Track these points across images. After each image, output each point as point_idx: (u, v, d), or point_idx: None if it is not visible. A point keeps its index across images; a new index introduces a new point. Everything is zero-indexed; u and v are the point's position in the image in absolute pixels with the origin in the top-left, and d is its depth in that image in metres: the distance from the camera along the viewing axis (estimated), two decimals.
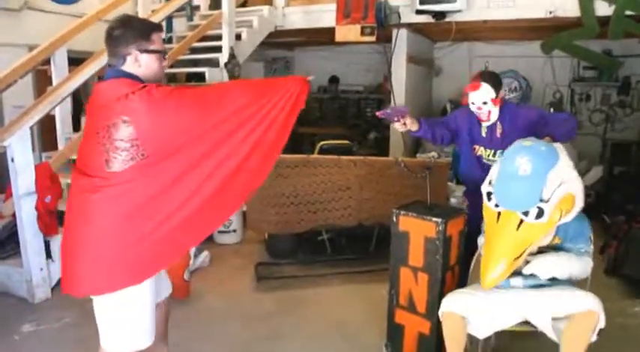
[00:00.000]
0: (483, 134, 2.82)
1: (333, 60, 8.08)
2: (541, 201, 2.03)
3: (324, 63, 8.16)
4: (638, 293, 3.65)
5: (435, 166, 4.20)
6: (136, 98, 1.63)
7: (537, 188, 2.04)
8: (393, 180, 4.28)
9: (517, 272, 2.20)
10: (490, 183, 2.23)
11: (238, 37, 5.72)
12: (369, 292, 3.53)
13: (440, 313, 2.30)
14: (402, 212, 2.59)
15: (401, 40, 5.58)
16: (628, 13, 4.50)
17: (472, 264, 2.56)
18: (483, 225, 2.45)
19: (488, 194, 2.20)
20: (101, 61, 4.07)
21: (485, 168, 2.85)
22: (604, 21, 4.58)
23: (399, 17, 5.25)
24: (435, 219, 2.46)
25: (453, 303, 2.25)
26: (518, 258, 2.10)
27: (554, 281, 2.19)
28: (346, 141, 4.91)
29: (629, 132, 6.60)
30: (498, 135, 2.76)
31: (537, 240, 2.13)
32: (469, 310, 2.21)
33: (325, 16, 5.78)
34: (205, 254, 4.15)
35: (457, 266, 2.64)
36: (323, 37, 6.32)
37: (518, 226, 2.07)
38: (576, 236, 2.25)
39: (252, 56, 8.53)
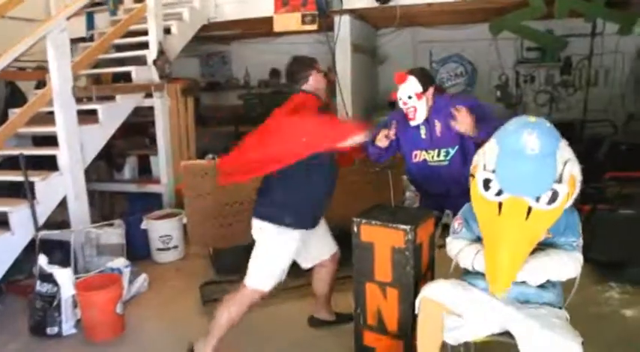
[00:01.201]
0: (423, 136, 2.64)
1: (273, 52, 7.64)
2: (554, 182, 1.74)
3: (263, 56, 7.72)
4: (607, 277, 3.52)
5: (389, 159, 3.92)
6: None
7: (550, 167, 1.73)
8: (350, 178, 3.94)
9: None
10: (485, 168, 1.86)
11: (167, 31, 5.21)
12: (335, 305, 3.18)
13: (418, 301, 2.01)
14: (364, 220, 2.25)
15: (344, 27, 5.25)
16: None
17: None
18: (455, 225, 2.17)
19: (486, 182, 1.83)
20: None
21: (435, 171, 2.64)
22: (549, 0, 4.45)
23: (341, 2, 4.91)
24: (402, 226, 2.13)
25: (436, 291, 1.96)
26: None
27: (542, 290, 1.96)
28: None
29: (573, 112, 6.61)
30: (438, 133, 2.60)
31: (546, 230, 1.83)
32: (451, 304, 1.93)
33: (262, 5, 5.36)
34: (143, 277, 3.66)
35: (429, 273, 2.34)
36: (261, 27, 5.90)
37: (527, 215, 1.75)
38: (568, 228, 1.98)
39: (185, 52, 7.98)
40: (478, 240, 2.10)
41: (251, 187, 3.77)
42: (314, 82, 2.60)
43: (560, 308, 2.00)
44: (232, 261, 4.06)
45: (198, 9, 5.52)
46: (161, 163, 4.99)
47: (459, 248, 2.10)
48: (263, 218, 2.54)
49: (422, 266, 2.23)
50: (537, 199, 1.73)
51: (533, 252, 1.91)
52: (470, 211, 2.14)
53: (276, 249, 2.52)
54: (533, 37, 4.89)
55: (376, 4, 4.86)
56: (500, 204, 1.79)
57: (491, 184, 1.81)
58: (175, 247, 4.41)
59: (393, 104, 6.23)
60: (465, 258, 2.04)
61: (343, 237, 3.86)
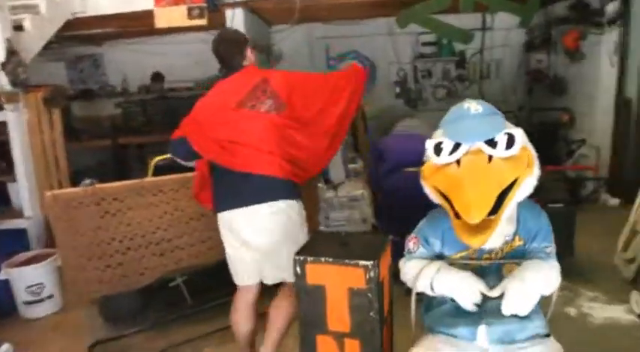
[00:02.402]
0: None
1: (155, 54, 6.79)
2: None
3: (143, 58, 6.82)
4: None
5: None
6: None
7: (498, 118, 1.68)
8: None
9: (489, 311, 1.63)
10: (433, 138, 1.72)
11: (19, 27, 4.22)
12: None
13: None
14: (310, 258, 1.73)
15: (237, 22, 4.66)
16: None
17: (413, 312, 1.80)
18: (410, 244, 1.82)
19: (437, 146, 1.67)
20: None
21: None
22: None
23: None
24: (362, 262, 1.65)
25: None
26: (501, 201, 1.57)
27: (525, 320, 1.65)
28: None
29: None
30: None
31: (512, 178, 1.60)
32: None
33: None
34: (5, 348, 2.78)
35: (389, 316, 1.89)
36: (140, 25, 5.09)
37: (489, 161, 1.60)
38: (539, 233, 1.78)
39: (46, 55, 6.83)
40: (438, 258, 1.77)
41: (146, 218, 3.11)
42: (252, 55, 2.46)
43: (548, 335, 1.72)
44: (126, 306, 3.32)
45: (58, 1, 4.58)
46: (22, 192, 4.03)
47: (417, 269, 1.73)
48: (291, 196, 2.26)
49: (384, 309, 1.78)
50: (494, 145, 1.60)
51: (510, 269, 1.68)
52: (427, 227, 1.84)
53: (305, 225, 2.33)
54: (441, 30, 4.75)
55: None
56: (457, 162, 1.62)
57: (442, 145, 1.66)
58: (50, 297, 3.54)
59: None
60: (424, 278, 1.69)
61: None
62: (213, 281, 3.54)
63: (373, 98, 6.67)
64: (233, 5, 4.51)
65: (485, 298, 1.63)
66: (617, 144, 5.13)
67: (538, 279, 1.62)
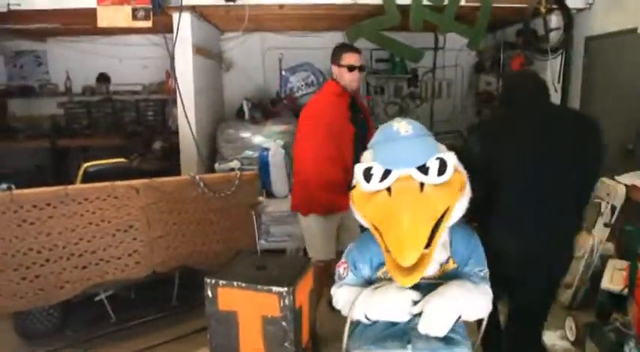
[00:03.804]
0: None
1: (101, 54, 6.50)
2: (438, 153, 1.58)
3: (88, 58, 6.51)
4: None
5: (241, 180, 3.35)
6: None
7: (430, 143, 1.63)
8: (192, 206, 3.27)
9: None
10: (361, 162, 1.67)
11: None
12: None
13: None
14: (221, 282, 1.62)
15: (184, 26, 4.50)
16: (425, 2, 4.29)
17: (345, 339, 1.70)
18: (340, 270, 1.73)
19: (366, 171, 1.57)
20: None
21: None
22: (404, 10, 4.30)
23: None
24: (275, 288, 1.55)
25: None
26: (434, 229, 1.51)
27: (452, 344, 1.61)
28: (121, 159, 3.64)
29: (421, 122, 6.73)
30: None
31: (444, 208, 1.53)
32: None
33: None
34: None
35: (310, 343, 1.80)
36: (84, 23, 4.85)
37: (421, 190, 1.53)
38: (471, 256, 1.73)
39: None
40: (368, 283, 1.70)
41: (68, 228, 2.91)
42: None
43: None
44: (43, 322, 3.09)
45: None
46: None
47: (347, 298, 1.65)
48: None
49: (302, 339, 1.68)
50: (426, 172, 1.53)
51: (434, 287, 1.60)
52: (356, 251, 1.76)
53: None
54: (391, 46, 4.74)
55: (222, 2, 4.23)
56: (388, 189, 1.54)
57: (372, 171, 1.57)
58: None
59: (242, 113, 5.69)
60: (358, 311, 1.61)
61: (187, 277, 3.20)
62: (140, 297, 3.37)
63: None
64: (180, 9, 4.35)
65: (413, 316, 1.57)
66: None
67: (459, 298, 1.56)
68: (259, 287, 1.57)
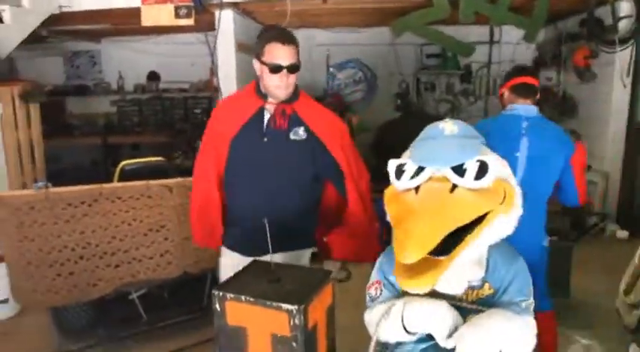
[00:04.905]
0: None
1: (151, 53, 6.64)
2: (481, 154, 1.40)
3: (140, 57, 6.68)
4: None
5: None
6: None
7: (473, 143, 1.44)
8: None
9: None
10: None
11: None
12: None
13: None
14: (230, 295, 1.48)
15: (226, 23, 4.46)
16: None
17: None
18: (372, 291, 1.57)
19: (399, 167, 1.44)
20: None
21: None
22: (454, 3, 4.04)
23: None
24: (285, 305, 1.40)
25: None
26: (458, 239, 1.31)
27: None
28: (159, 158, 3.61)
29: (473, 122, 6.38)
30: None
31: (475, 215, 1.33)
32: None
33: None
34: None
35: None
36: (132, 22, 4.92)
37: (452, 191, 1.35)
38: (512, 283, 1.49)
39: (44, 49, 6.74)
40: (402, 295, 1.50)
41: (102, 226, 2.91)
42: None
43: None
44: (79, 318, 3.11)
45: None
46: None
47: (381, 313, 1.45)
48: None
49: None
50: (462, 173, 1.35)
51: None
52: (385, 263, 1.58)
53: None
54: (439, 40, 4.49)
55: None
56: (417, 188, 1.38)
57: (405, 167, 1.43)
58: (4, 302, 3.35)
59: None
60: (394, 317, 1.42)
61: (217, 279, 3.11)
62: (172, 297, 3.34)
63: (372, 110, 6.43)
64: (222, 6, 4.30)
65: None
66: (628, 172, 4.81)
67: (498, 331, 1.35)
68: (268, 303, 1.42)
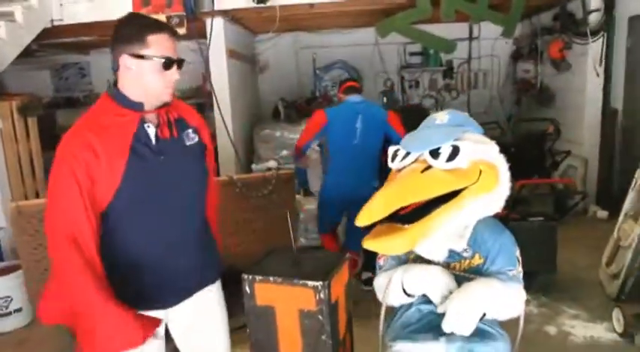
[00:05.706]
0: None
1: None
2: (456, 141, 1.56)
3: None
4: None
5: (278, 180, 3.40)
6: None
7: (454, 130, 1.61)
8: (230, 206, 3.33)
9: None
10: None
11: None
12: None
13: None
14: (258, 277, 1.65)
15: (217, 31, 4.62)
16: None
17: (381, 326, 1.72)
18: (381, 262, 1.80)
19: (394, 153, 1.67)
20: None
21: None
22: (435, 2, 4.25)
23: (213, 3, 4.28)
24: (311, 282, 1.58)
25: None
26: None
27: (490, 340, 1.62)
28: None
29: None
30: None
31: (441, 190, 1.50)
32: None
33: (118, 5, 4.51)
34: None
35: (347, 337, 1.81)
36: None
37: (423, 171, 1.54)
38: (499, 254, 1.67)
39: (31, 63, 6.79)
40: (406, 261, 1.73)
41: None
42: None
43: None
44: None
45: (36, 8, 4.53)
46: None
47: (385, 280, 1.68)
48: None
49: (339, 332, 1.70)
50: (437, 156, 1.53)
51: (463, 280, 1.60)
52: None
53: None
54: (422, 39, 4.70)
55: (252, 4, 4.31)
56: (402, 169, 1.60)
57: (398, 152, 1.66)
58: (18, 311, 3.45)
59: (277, 113, 5.76)
60: (395, 283, 1.64)
61: (229, 276, 3.25)
62: None
63: None
64: (212, 14, 4.45)
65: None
66: (605, 156, 5.07)
67: (483, 296, 1.53)
68: (295, 281, 1.59)
